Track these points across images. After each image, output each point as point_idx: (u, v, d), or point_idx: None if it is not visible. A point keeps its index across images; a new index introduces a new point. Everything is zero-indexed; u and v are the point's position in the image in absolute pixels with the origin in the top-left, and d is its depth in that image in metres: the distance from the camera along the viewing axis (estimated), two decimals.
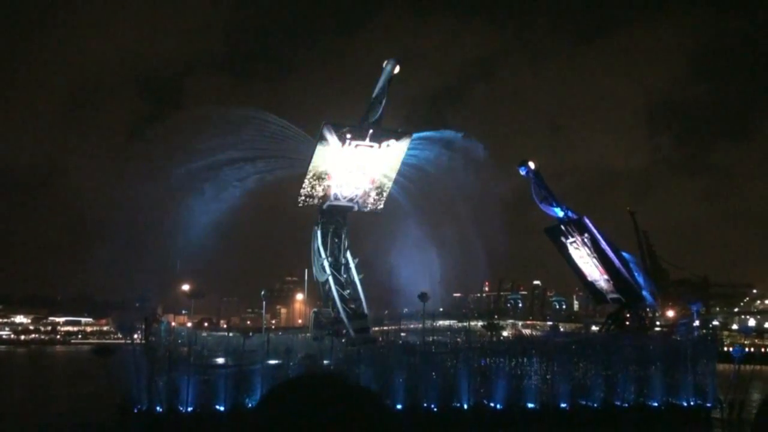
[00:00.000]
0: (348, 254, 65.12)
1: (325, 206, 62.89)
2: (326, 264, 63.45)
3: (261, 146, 63.14)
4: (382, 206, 65.10)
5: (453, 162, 67.28)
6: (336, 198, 62.40)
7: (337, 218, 64.71)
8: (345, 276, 64.48)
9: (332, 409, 2.35)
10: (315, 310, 68.54)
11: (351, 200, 63.16)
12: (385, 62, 61.05)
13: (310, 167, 60.60)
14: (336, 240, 65.01)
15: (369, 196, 63.72)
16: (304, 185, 61.93)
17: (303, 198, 62.39)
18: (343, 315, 62.13)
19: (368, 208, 64.56)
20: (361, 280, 64.62)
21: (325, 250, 63.97)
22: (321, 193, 62.25)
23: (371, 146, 60.57)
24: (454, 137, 67.57)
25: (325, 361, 53.83)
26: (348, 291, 63.92)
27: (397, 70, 61.31)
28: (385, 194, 64.31)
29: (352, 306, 63.35)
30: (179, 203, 64.44)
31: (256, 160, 63.53)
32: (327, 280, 63.54)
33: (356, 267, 64.82)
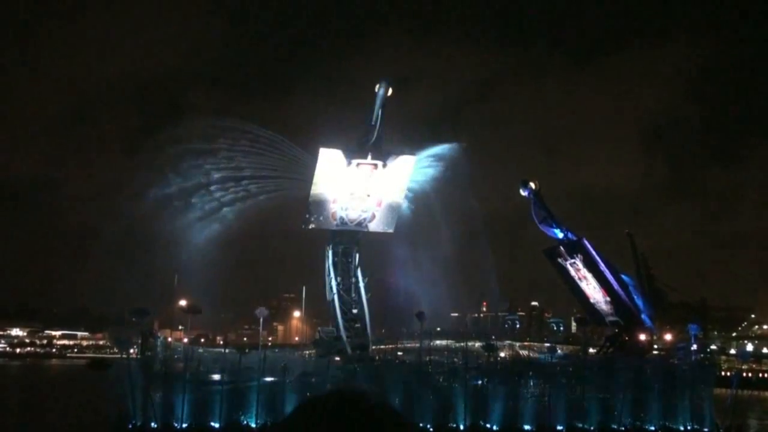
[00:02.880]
0: (359, 274, 65.71)
1: (334, 228, 63.61)
2: (333, 284, 64.43)
3: (260, 164, 63.56)
4: (392, 229, 65.46)
5: (457, 177, 67.73)
6: (343, 222, 62.95)
7: (347, 239, 65.49)
8: (355, 296, 65.26)
9: (358, 427, 2.36)
10: (319, 328, 69.65)
11: (359, 224, 63.67)
12: (378, 85, 61.60)
13: (312, 191, 61.13)
14: (348, 260, 65.81)
15: (377, 218, 64.06)
16: (308, 209, 62.56)
17: (308, 221, 63.16)
18: (343, 333, 62.82)
19: (379, 230, 65.15)
20: (368, 300, 65.31)
21: (335, 270, 64.91)
22: (326, 217, 62.78)
23: (374, 164, 61.03)
24: (455, 150, 68.16)
25: (313, 379, 53.59)
26: (356, 310, 64.68)
27: (390, 92, 61.87)
28: (394, 216, 64.70)
29: (357, 325, 64.14)
30: (176, 218, 64.66)
31: (254, 179, 63.93)
32: (333, 299, 64.41)
33: (365, 287, 65.44)
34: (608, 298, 70.45)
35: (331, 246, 65.20)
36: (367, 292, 65.69)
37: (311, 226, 63.93)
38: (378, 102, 61.35)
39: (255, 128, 64.11)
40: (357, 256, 66.33)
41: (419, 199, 67.38)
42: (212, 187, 64.19)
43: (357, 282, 65.69)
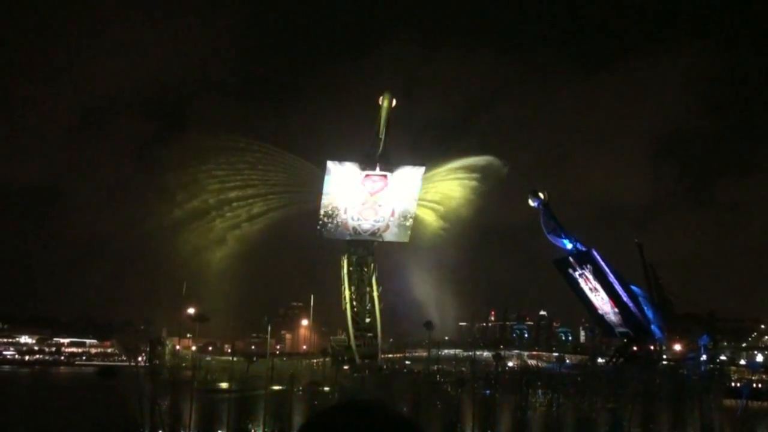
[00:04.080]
0: (374, 283, 65.88)
1: (347, 238, 63.96)
2: (346, 294, 64.69)
3: (267, 180, 63.94)
4: (407, 239, 65.79)
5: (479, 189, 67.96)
6: (356, 232, 63.22)
7: (361, 249, 65.71)
8: (369, 305, 65.49)
9: None
10: (331, 338, 70.25)
11: (373, 234, 63.92)
12: (381, 98, 61.74)
13: (322, 202, 61.49)
14: (364, 269, 66.05)
15: (391, 228, 64.21)
16: (320, 220, 62.98)
17: (321, 231, 63.66)
18: (352, 342, 63.20)
19: (393, 239, 65.49)
20: (381, 310, 65.51)
21: (349, 279, 65.17)
22: (339, 227, 63.07)
23: (383, 175, 61.29)
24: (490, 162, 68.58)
25: (326, 388, 53.62)
26: (368, 320, 64.91)
27: (394, 103, 62.09)
28: (408, 226, 64.90)
29: (369, 335, 64.38)
30: (184, 229, 64.94)
31: (261, 195, 64.30)
32: (346, 309, 64.76)
33: (378, 296, 65.62)
34: (617, 309, 70.08)
35: (346, 256, 65.50)
36: (380, 302, 65.96)
37: (324, 235, 64.52)
38: (383, 114, 61.66)
39: (262, 145, 64.49)
40: (372, 265, 66.53)
41: (432, 210, 67.55)
42: (221, 200, 64.55)
43: (371, 292, 65.86)
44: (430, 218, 67.97)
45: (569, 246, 69.73)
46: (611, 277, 68.17)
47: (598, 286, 69.72)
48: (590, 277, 69.48)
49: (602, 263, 68.15)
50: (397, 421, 2.49)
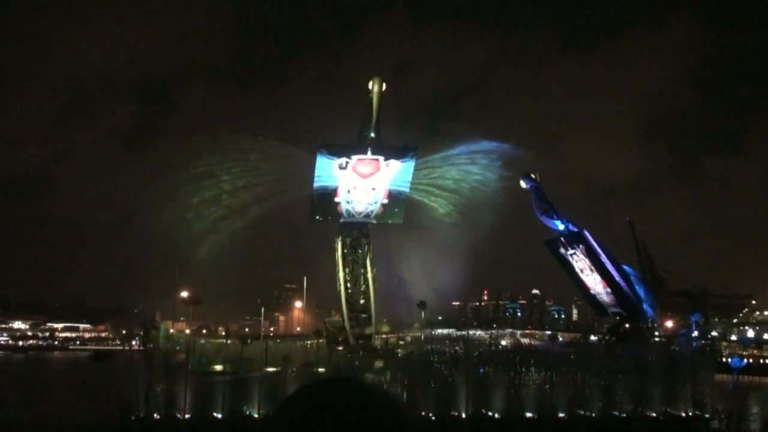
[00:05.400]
0: (368, 264, 66.00)
1: (341, 221, 64.00)
2: (340, 275, 64.83)
3: (257, 161, 63.77)
4: (401, 220, 65.97)
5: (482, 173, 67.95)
6: (350, 214, 63.26)
7: (355, 232, 65.78)
8: (363, 286, 65.72)
9: (351, 411, 2.37)
10: (326, 319, 70.38)
11: (366, 216, 63.97)
12: (371, 83, 61.38)
13: (315, 186, 61.40)
14: (358, 251, 66.18)
15: (385, 210, 64.27)
16: (313, 204, 63.06)
17: (314, 215, 63.86)
18: (346, 324, 63.45)
19: (386, 221, 65.63)
20: (375, 291, 65.75)
21: (343, 261, 65.34)
22: (332, 210, 63.08)
23: (376, 159, 61.22)
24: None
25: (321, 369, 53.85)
26: (363, 301, 65.17)
27: (384, 87, 61.94)
28: (401, 207, 65.03)
29: (364, 316, 64.65)
30: (176, 211, 64.83)
31: (254, 175, 64.12)
32: (340, 291, 64.92)
33: (373, 278, 65.81)
34: (609, 290, 70.40)
35: (339, 238, 65.54)
36: (374, 283, 66.16)
37: (317, 219, 64.60)
38: (373, 99, 61.48)
39: (252, 129, 64.45)
40: (366, 247, 66.63)
41: (425, 191, 67.53)
42: (212, 183, 64.39)
43: (365, 273, 66.00)
44: (423, 200, 67.94)
45: (561, 227, 69.79)
46: (603, 258, 68.41)
47: (591, 267, 69.94)
48: (582, 257, 69.67)
49: (594, 244, 68.34)
50: (373, 395, 2.49)
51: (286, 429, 2.42)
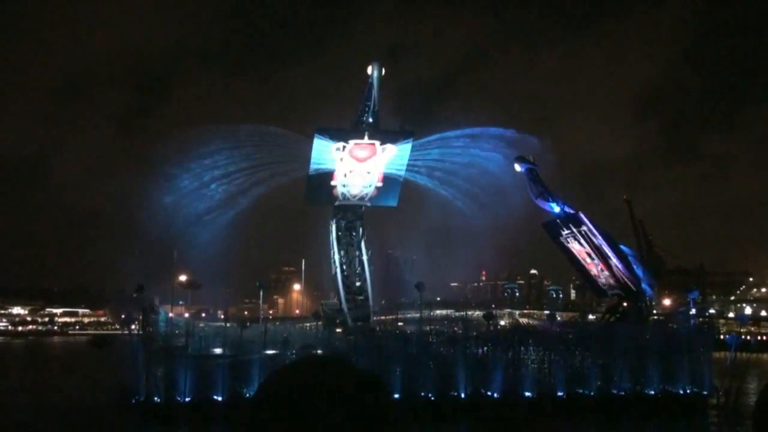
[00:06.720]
0: (363, 247, 66.15)
1: (336, 203, 64.10)
2: (336, 258, 64.96)
3: (257, 148, 63.63)
4: (395, 203, 66.10)
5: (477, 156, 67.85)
6: (345, 197, 63.39)
7: (350, 214, 65.90)
8: (359, 269, 65.91)
9: (333, 390, 2.34)
10: (322, 302, 70.56)
11: (362, 198, 64.06)
12: (370, 67, 61.49)
13: (310, 170, 61.35)
14: (353, 233, 66.31)
15: (380, 193, 64.33)
16: (308, 187, 63.09)
17: (310, 198, 64.00)
18: (344, 306, 63.63)
19: (381, 204, 65.76)
20: (371, 272, 65.89)
21: (338, 244, 65.49)
22: (327, 194, 63.13)
23: (372, 143, 61.18)
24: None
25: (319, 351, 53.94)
26: (359, 283, 65.39)
27: (383, 72, 62.12)
28: (396, 190, 65.13)
29: (360, 297, 64.82)
30: (174, 195, 64.70)
31: (252, 159, 63.98)
32: (336, 273, 65.02)
33: (368, 260, 65.95)
34: (608, 272, 70.39)
35: (334, 221, 65.61)
36: (369, 265, 66.28)
37: (313, 203, 64.79)
38: (373, 84, 61.44)
39: (247, 113, 64.40)
40: (361, 230, 66.74)
41: (421, 174, 67.37)
42: (210, 167, 64.21)
43: (361, 255, 66.19)
44: (419, 182, 67.84)
45: (557, 209, 69.58)
46: (600, 239, 68.30)
47: (588, 248, 69.88)
48: (580, 239, 69.58)
49: (591, 225, 68.18)
50: (359, 374, 2.48)
51: (268, 404, 2.39)
